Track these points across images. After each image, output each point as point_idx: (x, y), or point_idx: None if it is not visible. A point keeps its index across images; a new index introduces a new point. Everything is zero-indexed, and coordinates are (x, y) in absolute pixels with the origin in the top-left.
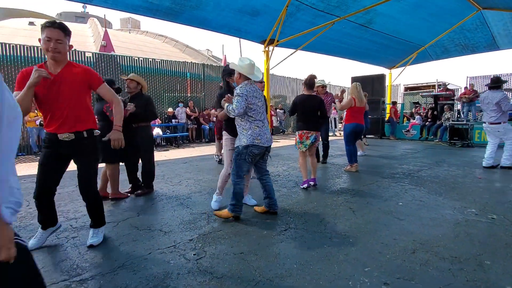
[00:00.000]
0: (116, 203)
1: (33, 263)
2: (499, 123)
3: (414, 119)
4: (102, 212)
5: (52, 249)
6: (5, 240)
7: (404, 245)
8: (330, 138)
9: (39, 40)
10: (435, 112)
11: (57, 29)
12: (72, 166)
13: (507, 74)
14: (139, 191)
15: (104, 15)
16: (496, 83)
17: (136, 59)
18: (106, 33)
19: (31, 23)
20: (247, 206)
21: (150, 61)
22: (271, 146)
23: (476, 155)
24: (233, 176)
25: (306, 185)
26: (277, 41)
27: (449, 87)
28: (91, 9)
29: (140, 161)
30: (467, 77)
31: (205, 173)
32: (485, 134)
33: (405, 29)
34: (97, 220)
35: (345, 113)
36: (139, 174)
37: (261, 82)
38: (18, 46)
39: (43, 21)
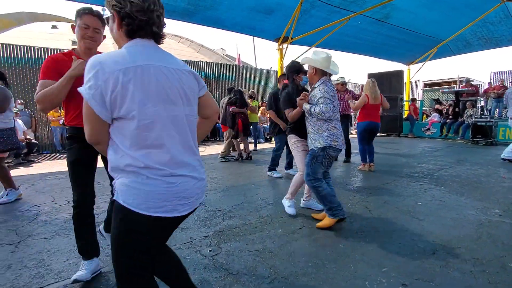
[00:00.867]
0: None
1: None
2: None
3: (432, 116)
4: None
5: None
6: None
7: (423, 245)
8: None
9: (72, 26)
10: (457, 109)
11: (96, 17)
12: None
13: None
14: None
15: None
16: None
17: None
18: None
19: (54, 27)
20: (266, 207)
21: None
22: None
23: (500, 154)
24: (310, 181)
25: None
26: (291, 38)
27: (472, 83)
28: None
29: None
30: (491, 72)
31: (220, 171)
32: (510, 132)
33: (424, 24)
34: None
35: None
36: None
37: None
38: (42, 49)
39: (66, 25)
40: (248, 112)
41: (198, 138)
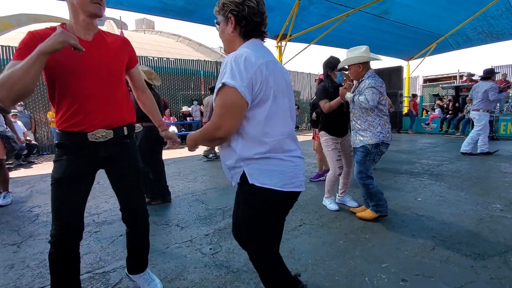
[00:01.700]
0: None
1: None
2: (478, 110)
3: (434, 111)
4: (148, 244)
5: None
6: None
7: (423, 241)
8: None
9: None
10: (457, 104)
11: None
12: None
13: None
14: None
15: (120, 16)
16: (487, 74)
17: (151, 59)
18: (122, 34)
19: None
20: None
21: (165, 60)
22: None
23: (502, 148)
24: (362, 179)
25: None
26: (290, 36)
27: (473, 78)
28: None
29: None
30: (492, 66)
31: (220, 170)
32: (511, 126)
33: (424, 19)
34: (144, 256)
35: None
36: None
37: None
38: None
39: None
40: None
41: None
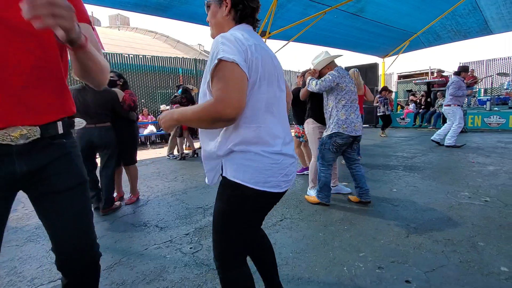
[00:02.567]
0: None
1: None
2: (449, 105)
3: (409, 107)
4: None
5: (48, 248)
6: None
7: (398, 230)
8: None
9: None
10: (429, 99)
11: None
12: None
13: (500, 58)
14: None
15: (92, 12)
16: (458, 70)
17: (126, 56)
18: (94, 30)
19: None
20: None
21: (141, 57)
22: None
23: (470, 140)
24: (319, 163)
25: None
26: (269, 33)
27: (443, 74)
28: None
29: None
30: (460, 63)
31: (201, 168)
32: (478, 119)
33: (397, 17)
34: None
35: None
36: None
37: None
38: None
39: None
40: None
41: None
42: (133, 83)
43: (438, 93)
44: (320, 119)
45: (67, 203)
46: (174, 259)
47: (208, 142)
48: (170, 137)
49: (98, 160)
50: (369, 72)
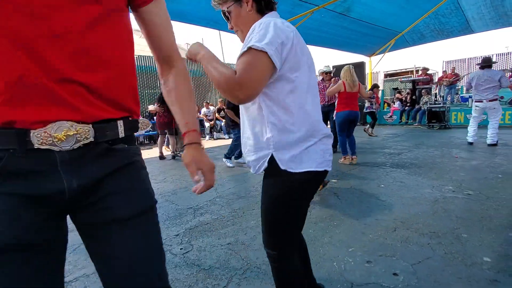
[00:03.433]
0: None
1: None
2: (496, 99)
3: (395, 104)
4: None
5: None
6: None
7: (385, 224)
8: None
9: None
10: (414, 97)
11: None
12: None
13: (481, 56)
14: None
15: None
16: (488, 62)
17: None
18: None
19: None
20: (237, 204)
21: None
22: None
23: (453, 136)
24: None
25: None
26: None
27: (428, 72)
28: None
29: None
30: (443, 61)
31: None
32: (461, 116)
33: (383, 17)
34: None
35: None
36: None
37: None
38: None
39: None
40: None
41: None
42: None
43: (423, 91)
44: None
45: (130, 239)
46: None
47: (256, 132)
48: (159, 140)
49: None
50: (356, 71)
